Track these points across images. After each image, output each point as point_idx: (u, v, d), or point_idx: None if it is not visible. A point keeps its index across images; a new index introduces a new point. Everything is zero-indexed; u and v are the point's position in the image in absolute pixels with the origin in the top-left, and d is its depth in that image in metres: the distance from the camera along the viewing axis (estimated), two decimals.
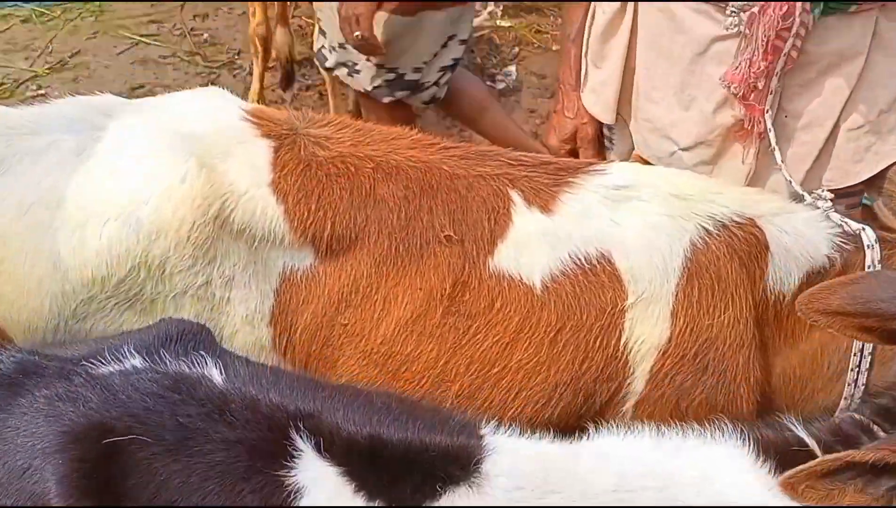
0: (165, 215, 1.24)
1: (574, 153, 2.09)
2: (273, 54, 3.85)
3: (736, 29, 1.69)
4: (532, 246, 1.39)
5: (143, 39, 4.42)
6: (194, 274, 1.28)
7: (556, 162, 1.45)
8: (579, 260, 1.40)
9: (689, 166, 1.85)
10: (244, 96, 4.19)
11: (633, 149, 1.98)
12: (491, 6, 4.62)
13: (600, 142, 2.06)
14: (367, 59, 2.74)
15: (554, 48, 4.56)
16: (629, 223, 1.41)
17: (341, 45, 2.76)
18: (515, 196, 1.41)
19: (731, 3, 1.67)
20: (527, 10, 4.75)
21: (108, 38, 4.40)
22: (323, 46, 2.87)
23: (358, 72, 2.80)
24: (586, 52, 1.99)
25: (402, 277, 1.35)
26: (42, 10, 4.51)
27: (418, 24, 2.71)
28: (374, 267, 1.35)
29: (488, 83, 4.34)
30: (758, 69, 1.68)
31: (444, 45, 2.82)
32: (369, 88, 2.83)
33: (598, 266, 1.40)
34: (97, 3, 4.60)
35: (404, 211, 1.36)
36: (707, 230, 1.42)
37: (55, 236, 1.24)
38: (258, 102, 3.98)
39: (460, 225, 1.37)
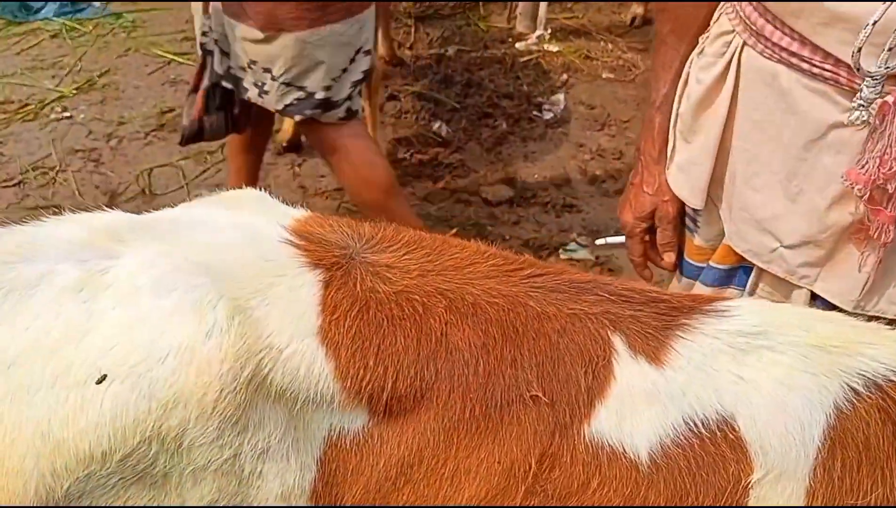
0: (186, 380, 0.96)
1: (651, 231, 1.80)
2: None
3: (862, 121, 1.38)
4: (638, 408, 1.09)
5: (175, 58, 4.15)
6: (219, 448, 0.99)
7: (668, 298, 1.15)
8: (695, 425, 1.10)
9: (793, 267, 1.54)
10: (277, 122, 3.91)
11: (722, 236, 1.68)
12: (539, 30, 4.31)
13: (681, 222, 1.77)
14: (273, 78, 2.56)
15: (604, 76, 4.26)
16: (758, 380, 1.11)
17: (249, 65, 2.59)
18: (618, 342, 1.11)
19: (860, 92, 1.36)
20: (576, 34, 4.43)
21: (140, 57, 4.14)
22: (230, 67, 2.65)
23: (266, 92, 2.61)
24: (675, 124, 1.69)
25: (477, 447, 1.06)
26: (73, 24, 4.25)
27: (320, 40, 2.52)
28: (442, 434, 1.06)
29: (535, 113, 4.05)
30: (889, 170, 1.37)
31: (353, 60, 2.63)
32: (280, 108, 2.65)
33: (718, 433, 1.10)
34: (130, 18, 4.34)
35: (482, 363, 1.06)
36: (855, 391, 1.11)
37: (45, 399, 0.96)
38: (293, 134, 3.70)
39: (550, 380, 1.08)
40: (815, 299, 1.56)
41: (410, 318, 1.06)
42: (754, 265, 1.62)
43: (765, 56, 1.49)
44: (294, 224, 1.13)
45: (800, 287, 1.56)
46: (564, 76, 4.22)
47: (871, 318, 1.50)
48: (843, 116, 1.40)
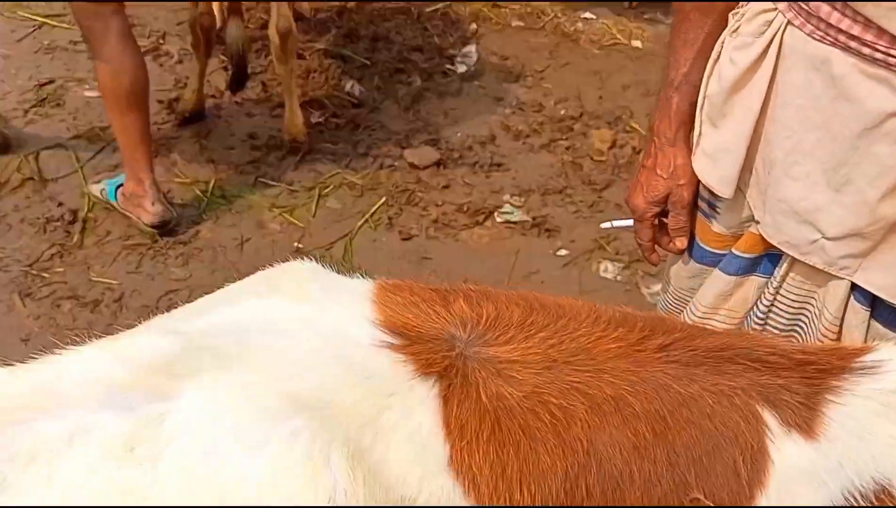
0: None
1: (662, 216, 1.62)
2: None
3: None
4: (797, 490, 0.92)
5: (48, 21, 3.59)
6: None
7: (815, 359, 0.97)
8: (854, 498, 0.94)
9: (833, 258, 1.40)
10: (174, 89, 3.48)
11: (746, 223, 1.53)
12: None
13: (695, 206, 1.60)
14: None
15: (513, 24, 4.02)
16: None
17: None
18: (769, 418, 0.92)
19: None
20: None
21: (5, 21, 3.56)
22: None
23: None
24: (702, 107, 1.49)
25: None
26: None
27: None
28: None
29: (447, 66, 3.77)
30: None
31: None
32: None
33: (875, 502, 0.95)
34: None
35: (636, 470, 0.85)
36: None
37: None
38: (196, 102, 3.28)
39: (708, 477, 0.88)
40: (852, 289, 1.44)
41: (550, 428, 0.83)
42: (783, 254, 1.47)
43: (815, 38, 1.30)
44: (379, 314, 0.87)
45: (837, 277, 1.43)
46: (473, 26, 3.94)
47: None
48: None
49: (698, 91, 1.52)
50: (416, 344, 0.84)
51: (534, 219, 3.11)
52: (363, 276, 0.98)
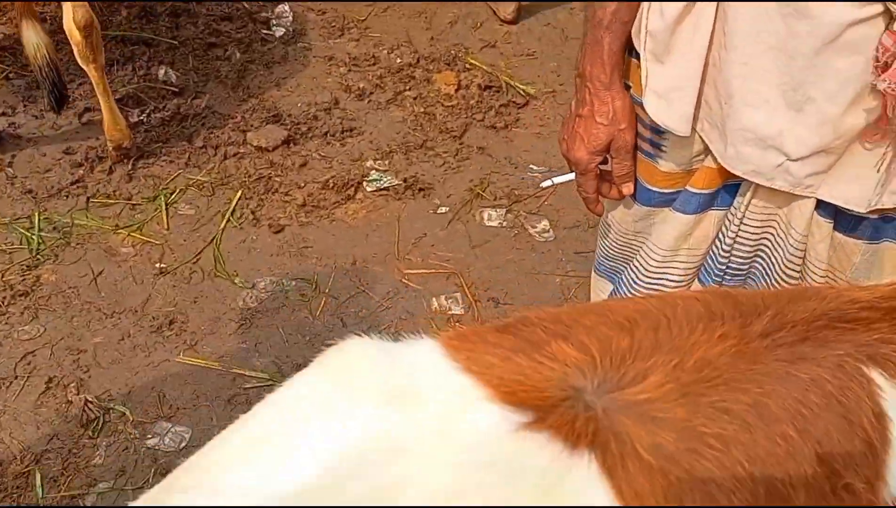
0: None
1: (602, 164, 1.58)
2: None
3: None
4: None
5: None
6: None
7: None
8: None
9: (799, 178, 1.42)
10: None
11: (698, 158, 1.51)
12: None
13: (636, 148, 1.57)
14: None
15: None
16: None
17: None
18: (878, 376, 0.90)
19: None
20: None
21: None
22: None
23: None
24: (644, 45, 1.44)
25: None
26: None
27: None
28: None
29: (264, 31, 3.52)
30: None
31: None
32: None
33: None
34: None
35: (794, 474, 0.81)
36: None
37: None
38: None
39: (850, 457, 0.85)
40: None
41: (713, 461, 0.76)
42: (742, 182, 1.47)
43: None
44: (486, 387, 0.74)
45: (801, 197, 1.44)
46: None
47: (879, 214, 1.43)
48: (862, 12, 1.24)
49: (629, 29, 1.47)
50: (550, 414, 0.73)
51: (404, 180, 3.00)
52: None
